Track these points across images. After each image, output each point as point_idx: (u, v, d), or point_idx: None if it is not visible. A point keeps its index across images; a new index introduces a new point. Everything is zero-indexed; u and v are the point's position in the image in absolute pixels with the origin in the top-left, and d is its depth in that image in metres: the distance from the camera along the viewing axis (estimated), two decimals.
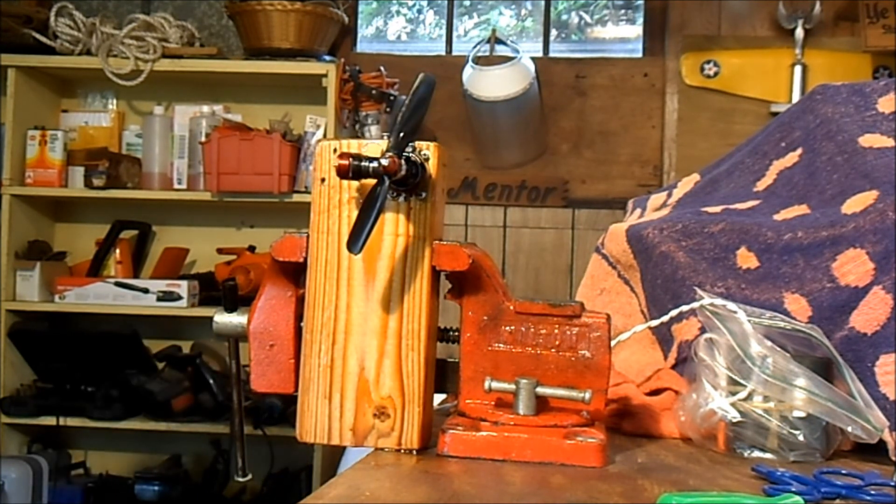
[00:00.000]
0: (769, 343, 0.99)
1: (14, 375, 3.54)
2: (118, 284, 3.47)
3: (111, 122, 3.73)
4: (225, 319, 1.00)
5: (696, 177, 1.46)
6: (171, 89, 3.71)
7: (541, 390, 0.94)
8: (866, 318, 1.04)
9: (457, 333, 0.97)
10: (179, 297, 3.43)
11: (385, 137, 0.89)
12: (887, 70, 3.61)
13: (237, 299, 1.01)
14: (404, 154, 0.88)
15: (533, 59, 3.70)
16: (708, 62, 3.77)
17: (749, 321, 1.01)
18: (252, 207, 3.69)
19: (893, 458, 0.97)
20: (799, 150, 1.26)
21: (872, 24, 3.48)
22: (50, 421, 3.44)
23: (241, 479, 1.06)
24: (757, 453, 0.98)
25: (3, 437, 3.49)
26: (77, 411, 3.45)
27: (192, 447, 3.63)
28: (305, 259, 0.94)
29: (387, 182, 0.86)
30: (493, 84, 3.57)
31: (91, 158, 3.49)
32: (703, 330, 1.06)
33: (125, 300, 3.45)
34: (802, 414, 0.96)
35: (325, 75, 3.43)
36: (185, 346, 3.66)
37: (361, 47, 4.06)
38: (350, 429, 0.93)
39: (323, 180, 0.93)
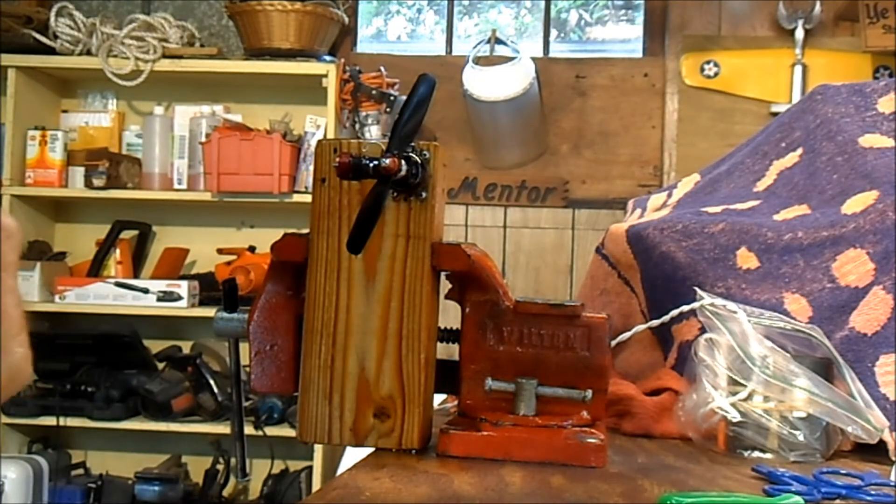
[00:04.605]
0: (769, 343, 0.99)
1: None
2: (118, 284, 3.46)
3: (111, 123, 3.72)
4: (225, 319, 1.00)
5: (696, 177, 1.46)
6: (172, 89, 3.71)
7: (541, 390, 0.94)
8: (866, 318, 1.04)
9: (457, 333, 0.97)
10: (179, 298, 3.43)
11: (385, 137, 0.89)
12: (887, 70, 3.61)
13: (237, 299, 1.01)
14: (404, 154, 0.88)
15: (533, 59, 3.70)
16: (708, 62, 3.77)
17: (749, 321, 1.01)
18: (252, 207, 3.69)
19: (893, 458, 0.97)
20: (799, 151, 1.26)
21: (872, 24, 3.47)
22: (50, 421, 3.44)
23: (241, 480, 1.06)
24: (757, 453, 0.98)
25: (3, 437, 3.49)
26: (77, 411, 3.45)
27: (192, 447, 3.63)
28: (305, 259, 0.94)
29: (387, 182, 0.86)
30: (493, 84, 3.57)
31: (91, 159, 3.49)
32: (703, 330, 1.06)
33: (125, 300, 3.44)
34: (802, 414, 0.97)
35: (326, 75, 3.43)
36: (185, 347, 3.66)
37: (361, 47, 4.06)
38: (350, 429, 0.93)
39: (323, 180, 0.93)
